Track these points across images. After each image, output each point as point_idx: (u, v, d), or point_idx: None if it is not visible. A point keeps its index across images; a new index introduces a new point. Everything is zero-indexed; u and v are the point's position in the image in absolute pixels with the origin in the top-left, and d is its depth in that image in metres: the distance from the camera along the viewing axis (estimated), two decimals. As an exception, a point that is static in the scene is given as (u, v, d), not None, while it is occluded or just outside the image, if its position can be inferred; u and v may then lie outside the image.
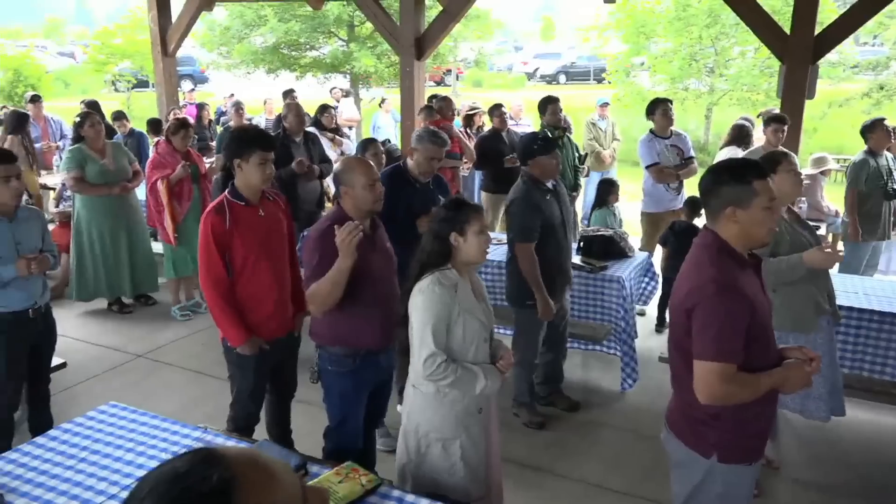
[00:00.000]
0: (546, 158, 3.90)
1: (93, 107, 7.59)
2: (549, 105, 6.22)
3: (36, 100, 8.55)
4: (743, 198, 2.15)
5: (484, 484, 2.68)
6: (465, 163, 7.05)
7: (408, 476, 2.66)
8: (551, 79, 27.95)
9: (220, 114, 10.57)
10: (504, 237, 5.54)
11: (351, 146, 9.34)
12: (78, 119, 5.56)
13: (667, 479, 2.55)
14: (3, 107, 10.59)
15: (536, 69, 29.09)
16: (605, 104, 8.60)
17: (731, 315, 2.10)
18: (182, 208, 5.51)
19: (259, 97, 12.06)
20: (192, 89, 13.13)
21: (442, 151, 3.96)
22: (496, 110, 6.76)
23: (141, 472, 2.41)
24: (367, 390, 3.07)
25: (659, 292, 5.31)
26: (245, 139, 3.12)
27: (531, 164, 3.93)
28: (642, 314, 5.63)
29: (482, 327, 2.61)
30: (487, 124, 7.61)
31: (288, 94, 9.40)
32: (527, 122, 9.45)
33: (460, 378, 2.52)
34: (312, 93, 14.77)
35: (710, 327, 2.11)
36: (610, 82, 16.59)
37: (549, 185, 3.97)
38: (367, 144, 4.71)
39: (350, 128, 10.88)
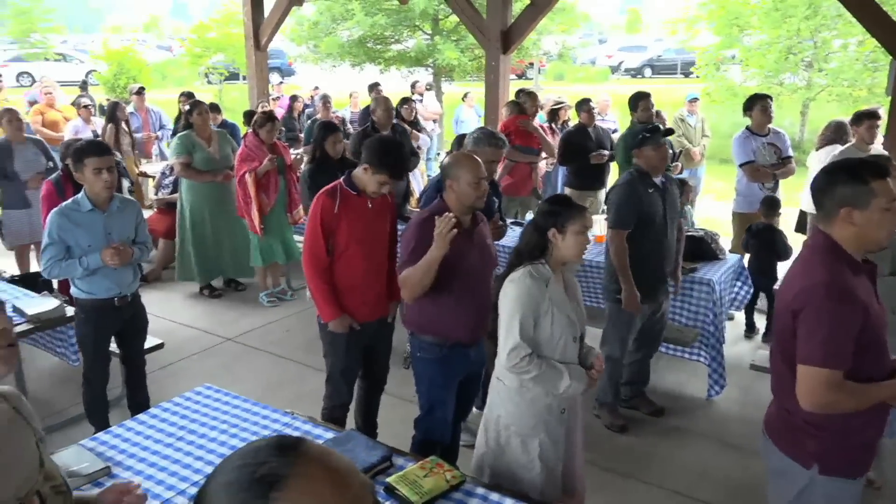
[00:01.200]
0: (652, 150, 3.77)
1: (188, 98, 7.90)
2: (640, 101, 6.04)
3: (140, 91, 8.98)
4: (860, 198, 2.03)
5: (561, 486, 2.65)
6: (545, 158, 6.95)
7: (485, 466, 2.68)
8: (636, 72, 27.29)
9: (307, 106, 10.83)
10: (590, 235, 5.48)
11: (427, 140, 9.41)
12: (187, 107, 5.83)
13: (758, 493, 2.45)
14: (108, 99, 11.17)
15: (621, 62, 28.47)
16: (695, 99, 8.31)
17: (841, 319, 1.99)
18: (269, 200, 5.67)
19: (343, 90, 12.30)
20: (281, 82, 13.46)
21: (500, 154, 3.93)
22: (584, 105, 6.63)
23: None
24: (455, 380, 3.12)
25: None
26: (383, 158, 3.19)
27: (637, 155, 3.83)
28: (731, 318, 5.42)
29: (571, 325, 2.58)
30: (573, 119, 7.50)
31: (374, 87, 9.55)
32: (612, 118, 9.25)
33: (544, 374, 2.51)
34: (395, 86, 14.93)
35: (817, 331, 2.01)
36: (698, 76, 16.02)
37: (658, 181, 3.84)
38: (461, 140, 4.72)
39: (434, 121, 10.94)
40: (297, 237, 6.98)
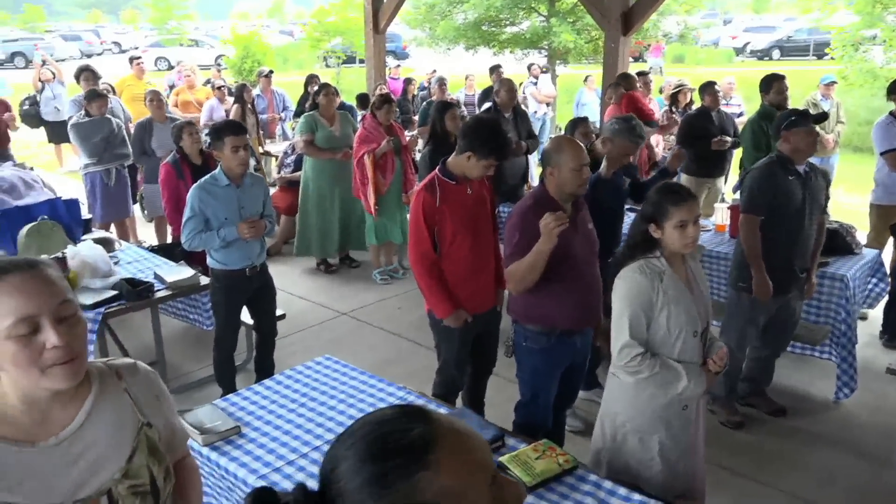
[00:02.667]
0: (803, 131, 3.50)
1: (313, 81, 8.20)
2: (773, 83, 5.65)
3: (268, 74, 9.40)
4: None
5: (683, 483, 2.57)
6: (660, 133, 6.72)
7: (602, 463, 2.62)
8: (763, 54, 25.70)
9: (422, 89, 10.97)
10: (707, 224, 5.26)
11: (539, 123, 9.30)
12: (316, 88, 6.07)
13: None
14: (236, 82, 11.78)
15: (746, 44, 26.88)
16: (832, 83, 7.74)
17: None
18: (386, 181, 5.80)
19: (457, 73, 12.37)
20: (398, 65, 13.70)
21: (635, 149, 3.80)
22: (708, 88, 6.34)
23: (352, 422, 2.60)
24: (559, 369, 3.07)
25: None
26: (487, 141, 3.06)
27: (784, 139, 3.58)
28: (864, 318, 5.05)
29: (691, 320, 2.44)
30: (696, 103, 7.19)
31: (495, 69, 9.53)
32: (737, 102, 8.78)
33: (658, 375, 2.41)
34: (509, 69, 14.86)
35: None
36: (833, 58, 14.90)
37: (801, 169, 3.59)
38: (577, 123, 4.64)
39: (547, 104, 10.79)
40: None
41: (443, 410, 2.70)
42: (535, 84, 10.70)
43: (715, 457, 3.57)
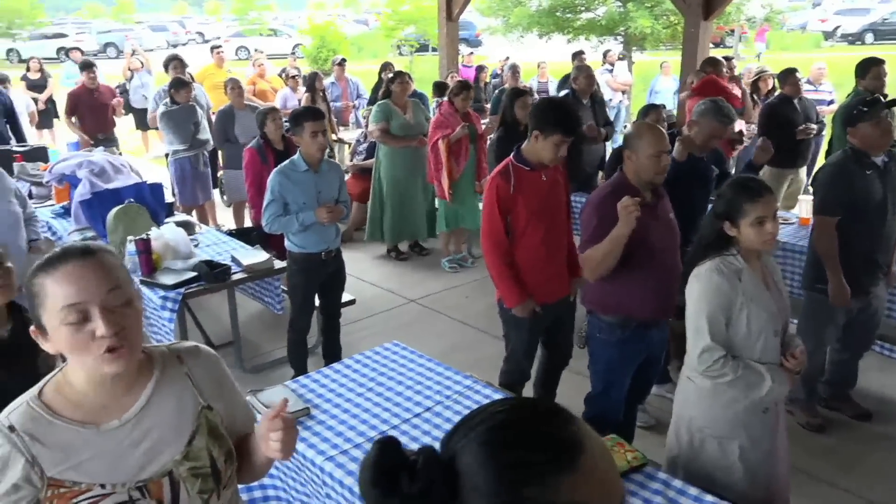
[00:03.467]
0: (869, 126, 3.28)
1: (387, 68, 8.27)
2: (871, 67, 5.24)
3: (342, 63, 9.54)
4: None
5: (765, 490, 2.46)
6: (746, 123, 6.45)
7: (679, 469, 2.53)
8: (854, 38, 24.36)
9: (495, 76, 10.90)
10: (790, 217, 5.03)
11: (615, 111, 9.09)
12: (391, 76, 6.13)
13: None
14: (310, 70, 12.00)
15: (837, 27, 25.52)
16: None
17: None
18: (459, 167, 5.80)
19: (530, 60, 12.22)
20: (471, 53, 13.65)
21: (725, 131, 3.63)
22: (789, 77, 6.02)
23: (418, 409, 2.63)
24: (634, 363, 3.00)
25: None
26: (551, 116, 3.04)
27: (851, 132, 3.38)
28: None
29: (771, 319, 2.33)
30: (778, 90, 6.87)
31: (577, 55, 9.39)
32: (828, 88, 8.33)
33: (741, 378, 2.31)
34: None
35: None
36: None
37: (879, 160, 3.37)
38: (649, 110, 4.52)
39: (623, 92, 10.54)
40: (482, 205, 7.13)
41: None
42: (611, 72, 10.47)
43: (793, 460, 3.42)
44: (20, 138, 6.90)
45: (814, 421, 3.78)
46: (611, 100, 10.00)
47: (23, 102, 8.26)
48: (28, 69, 10.51)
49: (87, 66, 7.65)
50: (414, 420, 2.56)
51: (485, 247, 3.22)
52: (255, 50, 13.00)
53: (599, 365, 3.04)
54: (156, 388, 1.41)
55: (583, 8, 15.07)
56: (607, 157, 6.04)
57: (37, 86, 10.09)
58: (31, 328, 1.32)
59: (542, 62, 10.66)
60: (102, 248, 1.35)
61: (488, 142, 6.00)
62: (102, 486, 1.31)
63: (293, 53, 16.80)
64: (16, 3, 32.65)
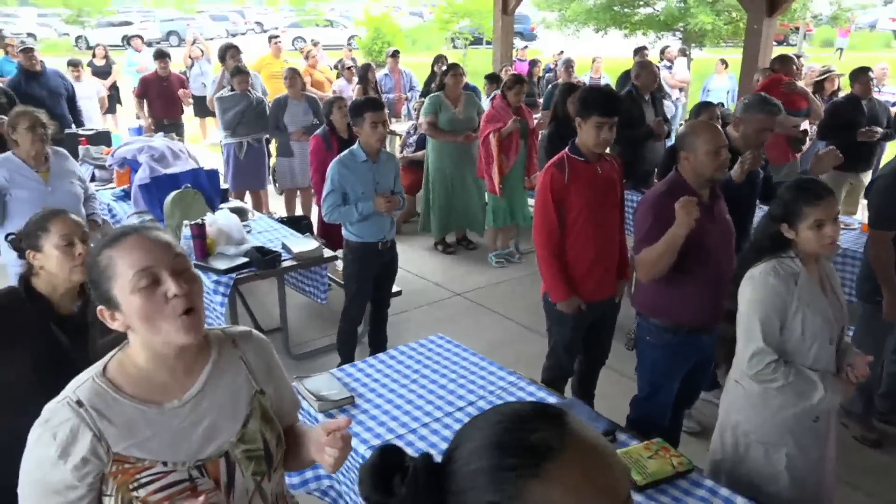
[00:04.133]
0: None
1: (440, 61, 8.27)
2: None
3: (395, 54, 9.59)
4: None
5: (812, 501, 2.39)
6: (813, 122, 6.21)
7: (722, 475, 2.47)
8: (930, 39, 23.34)
9: (548, 71, 10.79)
10: (852, 222, 4.85)
11: (672, 108, 8.89)
12: (444, 69, 6.13)
13: None
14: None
15: (910, 27, 24.49)
16: None
17: None
18: (510, 161, 5.77)
19: (584, 55, 12.06)
20: (525, 47, 13.54)
21: (773, 122, 3.51)
22: (861, 76, 5.79)
23: (461, 402, 2.63)
24: (683, 368, 2.94)
25: None
26: (588, 98, 3.07)
27: None
28: None
29: (826, 325, 2.26)
30: (844, 91, 6.62)
31: (639, 51, 9.25)
32: (891, 90, 8.01)
33: (792, 384, 2.24)
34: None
35: None
36: None
37: None
38: (702, 109, 4.41)
39: (680, 90, 10.32)
40: (531, 201, 7.08)
41: (552, 400, 2.67)
42: (670, 69, 10.25)
43: (845, 474, 3.31)
44: (79, 123, 7.15)
45: (869, 435, 3.65)
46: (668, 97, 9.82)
47: (93, 88, 8.56)
48: (94, 55, 10.86)
49: (160, 56, 7.96)
50: (456, 414, 2.56)
51: (536, 238, 3.22)
52: (310, 41, 13.15)
53: (647, 368, 3.00)
54: (213, 369, 1.44)
55: (641, 3, 14.81)
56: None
57: (102, 72, 10.42)
58: (98, 308, 1.35)
59: (597, 57, 10.51)
60: (156, 226, 1.40)
61: (539, 137, 5.96)
62: (164, 463, 1.34)
63: (349, 44, 16.96)
64: (86, -9, 33.81)
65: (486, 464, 0.77)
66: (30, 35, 26.47)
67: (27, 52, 6.86)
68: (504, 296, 5.55)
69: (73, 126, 6.98)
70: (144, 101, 7.82)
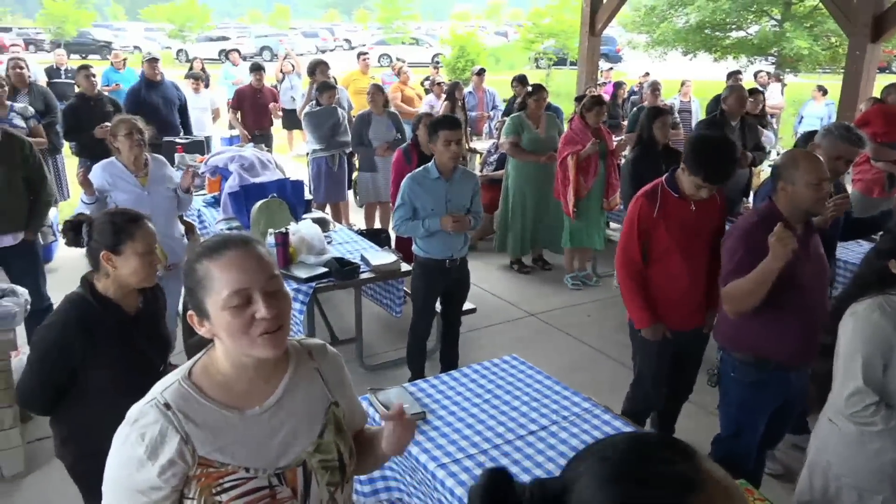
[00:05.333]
0: None
1: (523, 81, 8.27)
2: None
3: (481, 73, 9.66)
4: None
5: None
6: None
7: (808, 516, 2.35)
8: None
9: (632, 93, 10.63)
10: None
11: (772, 138, 8.58)
12: (529, 90, 6.13)
13: None
14: (450, 80, 12.21)
15: None
16: None
17: None
18: (587, 183, 5.68)
19: (671, 77, 11.80)
20: (611, 68, 13.39)
21: (855, 152, 3.34)
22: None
23: (534, 426, 2.58)
24: (770, 407, 2.79)
25: None
26: (699, 157, 2.95)
27: None
28: None
29: None
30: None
31: (733, 75, 9.01)
32: None
33: (893, 430, 2.10)
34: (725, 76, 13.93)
35: None
36: None
37: None
38: (809, 137, 4.21)
39: (771, 116, 9.95)
40: (614, 225, 6.95)
41: (629, 429, 2.58)
42: (764, 94, 9.90)
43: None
44: (188, 131, 7.51)
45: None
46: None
47: (208, 100, 8.90)
48: (191, 68, 11.43)
49: (256, 69, 8.28)
50: (528, 437, 2.52)
51: (618, 262, 3.17)
52: (397, 59, 13.42)
53: (731, 406, 2.87)
54: (291, 380, 1.45)
55: (734, 26, 14.40)
56: (753, 184, 5.72)
57: (198, 84, 10.93)
58: (189, 314, 1.38)
59: (686, 80, 10.26)
60: (257, 240, 1.41)
61: (621, 160, 5.85)
62: (247, 469, 1.36)
63: (434, 62, 17.23)
64: (189, 9, 35.80)
65: (625, 496, 0.74)
66: (136, 48, 28.13)
67: (152, 62, 7.28)
68: (579, 319, 5.45)
69: (182, 133, 7.35)
70: (238, 112, 8.13)
